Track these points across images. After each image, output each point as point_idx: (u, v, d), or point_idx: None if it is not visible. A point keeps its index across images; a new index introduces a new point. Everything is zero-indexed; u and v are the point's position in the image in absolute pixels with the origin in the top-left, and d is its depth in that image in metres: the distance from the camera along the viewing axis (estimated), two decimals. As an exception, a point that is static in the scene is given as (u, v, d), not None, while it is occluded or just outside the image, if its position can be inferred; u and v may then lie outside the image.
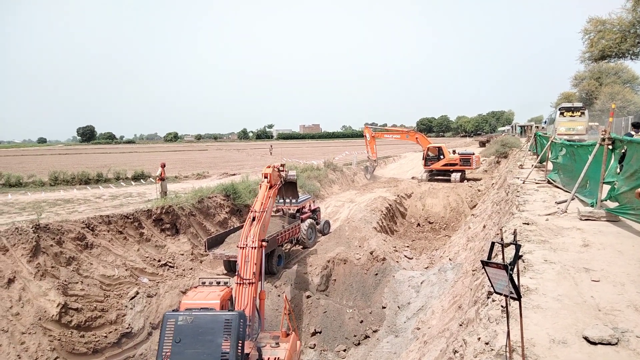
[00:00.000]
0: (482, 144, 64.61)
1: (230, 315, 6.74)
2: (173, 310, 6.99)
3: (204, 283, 8.71)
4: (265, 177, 11.64)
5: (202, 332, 6.60)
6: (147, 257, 14.85)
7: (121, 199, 19.95)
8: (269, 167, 11.99)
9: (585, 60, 30.88)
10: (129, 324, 12.33)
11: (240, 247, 8.55)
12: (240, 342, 6.53)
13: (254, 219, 9.26)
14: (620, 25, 25.71)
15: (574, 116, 24.36)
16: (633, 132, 11.97)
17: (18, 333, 10.25)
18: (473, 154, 32.62)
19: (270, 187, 11.57)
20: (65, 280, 11.82)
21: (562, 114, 25.01)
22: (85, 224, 13.85)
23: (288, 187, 14.66)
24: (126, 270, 13.70)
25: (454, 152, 32.84)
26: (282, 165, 13.67)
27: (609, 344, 3.58)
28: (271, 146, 67.30)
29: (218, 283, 8.66)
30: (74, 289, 11.88)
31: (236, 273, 8.30)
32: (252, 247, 8.40)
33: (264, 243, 8.89)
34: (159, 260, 15.03)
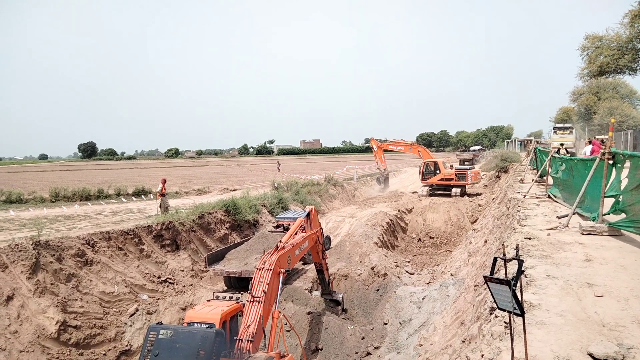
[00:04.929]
0: (462, 163, 47.29)
1: (206, 332, 6.75)
2: (157, 324, 7.12)
3: (217, 297, 8.79)
4: (305, 211, 12.29)
5: (179, 347, 6.63)
6: (147, 273, 14.77)
7: (122, 215, 19.93)
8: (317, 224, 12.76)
9: (584, 76, 31.47)
10: (128, 342, 12.21)
11: (258, 269, 8.93)
12: (215, 358, 6.50)
13: (277, 247, 9.52)
14: (618, 41, 25.96)
15: (564, 134, 30.51)
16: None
17: (16, 351, 10.13)
18: (470, 168, 32.74)
19: (304, 228, 11.80)
20: (64, 297, 11.74)
21: (555, 132, 31.72)
22: (86, 241, 13.80)
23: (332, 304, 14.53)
24: (126, 286, 13.61)
25: (451, 167, 32.94)
26: (323, 253, 13.33)
27: (614, 360, 3.53)
28: (278, 162, 67.15)
29: (230, 298, 8.71)
30: (73, 306, 11.79)
31: (249, 291, 8.55)
32: (268, 269, 8.76)
33: (282, 271, 9.21)
34: (159, 277, 14.93)
